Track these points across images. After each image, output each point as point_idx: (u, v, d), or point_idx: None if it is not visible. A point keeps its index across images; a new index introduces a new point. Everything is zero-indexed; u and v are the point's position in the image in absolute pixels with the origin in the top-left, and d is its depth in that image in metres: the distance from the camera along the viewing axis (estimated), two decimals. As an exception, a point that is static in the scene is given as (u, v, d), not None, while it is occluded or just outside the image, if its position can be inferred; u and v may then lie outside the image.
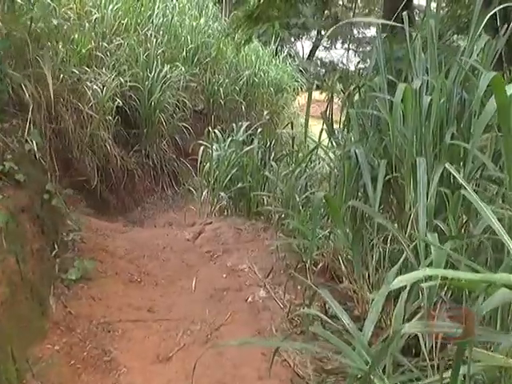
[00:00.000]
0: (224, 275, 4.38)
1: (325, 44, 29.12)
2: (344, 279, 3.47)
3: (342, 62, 27.71)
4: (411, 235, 2.70)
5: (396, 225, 3.10)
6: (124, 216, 7.92)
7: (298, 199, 4.75)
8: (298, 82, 15.50)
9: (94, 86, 7.33)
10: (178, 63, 10.10)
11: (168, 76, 9.40)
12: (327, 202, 2.93)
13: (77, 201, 6.76)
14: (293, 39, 25.54)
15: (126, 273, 4.38)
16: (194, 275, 4.46)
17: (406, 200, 2.85)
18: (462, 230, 2.75)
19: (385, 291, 2.10)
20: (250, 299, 3.84)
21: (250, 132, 6.67)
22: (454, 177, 2.79)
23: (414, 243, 2.48)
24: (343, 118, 4.10)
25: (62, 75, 6.90)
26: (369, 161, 3.28)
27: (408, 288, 2.21)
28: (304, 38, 27.68)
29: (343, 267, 3.49)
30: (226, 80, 11.92)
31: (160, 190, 9.40)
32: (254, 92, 12.99)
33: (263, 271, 4.31)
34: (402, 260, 2.46)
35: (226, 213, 6.35)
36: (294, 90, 15.28)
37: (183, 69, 10.16)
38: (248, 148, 6.16)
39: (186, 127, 9.91)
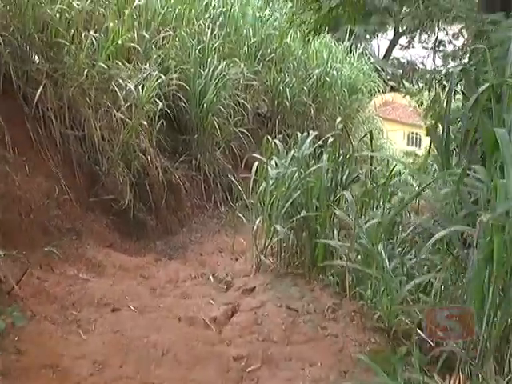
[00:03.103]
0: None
1: (402, 43, 27.33)
2: None
3: (421, 63, 25.75)
4: None
5: None
6: (165, 240, 6.55)
7: (385, 261, 3.09)
8: (374, 82, 13.91)
9: (129, 85, 6.02)
10: (236, 59, 8.73)
11: (224, 73, 8.05)
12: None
13: (100, 226, 5.48)
14: (368, 36, 23.78)
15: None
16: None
17: None
18: None
19: None
20: None
21: (318, 144, 5.17)
22: None
23: None
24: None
25: (87, 70, 5.64)
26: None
27: None
28: (380, 35, 25.89)
29: None
30: (294, 79, 10.46)
31: (212, 206, 8.03)
32: (325, 93, 11.47)
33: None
34: None
35: (282, 254, 4.82)
36: (370, 90, 13.70)
37: (243, 65, 8.80)
38: (315, 167, 4.67)
39: (244, 133, 8.53)
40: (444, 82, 5.40)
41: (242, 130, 8.49)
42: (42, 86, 5.14)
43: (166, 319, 3.69)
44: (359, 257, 3.87)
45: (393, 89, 23.17)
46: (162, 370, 3.03)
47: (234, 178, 7.76)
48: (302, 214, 4.59)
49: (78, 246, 4.78)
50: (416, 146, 34.92)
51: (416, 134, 35.16)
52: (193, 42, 7.95)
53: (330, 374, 2.94)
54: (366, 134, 5.26)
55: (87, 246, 4.89)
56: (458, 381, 2.31)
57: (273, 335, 3.46)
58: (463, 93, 3.26)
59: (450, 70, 4.45)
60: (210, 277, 4.98)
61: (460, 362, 2.29)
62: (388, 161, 7.04)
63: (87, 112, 5.70)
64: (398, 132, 29.15)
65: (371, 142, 4.99)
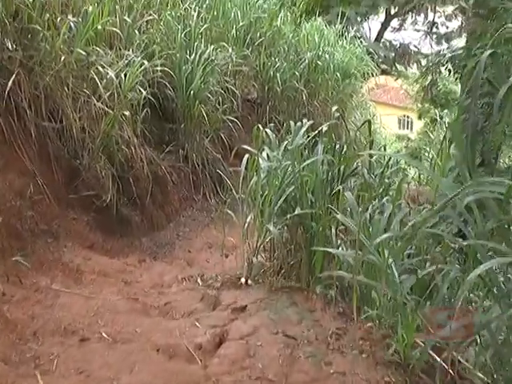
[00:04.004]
0: None
1: (394, 25, 26.94)
2: None
3: (415, 46, 25.47)
4: None
5: None
6: (150, 237, 6.18)
7: (396, 279, 2.63)
8: (367, 66, 13.54)
9: (110, 73, 5.64)
10: (224, 43, 8.35)
11: (212, 58, 7.68)
12: None
13: (80, 226, 5.12)
14: (359, 19, 23.27)
15: None
16: None
17: None
18: None
19: None
20: None
21: (313, 134, 4.79)
22: None
23: None
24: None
25: (65, 57, 5.27)
26: None
27: None
28: (371, 18, 25.42)
29: None
30: (284, 63, 10.05)
31: (201, 198, 7.66)
32: (318, 78, 11.08)
33: None
34: None
35: (275, 253, 4.43)
36: (363, 74, 13.34)
37: (231, 50, 8.42)
38: (309, 161, 4.30)
39: (234, 121, 8.16)
40: (449, 66, 5.08)
41: (231, 117, 8.11)
42: (14, 75, 4.77)
43: (142, 351, 3.15)
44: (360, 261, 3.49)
45: (384, 72, 22.84)
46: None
47: (224, 168, 7.42)
48: (296, 212, 4.23)
49: (54, 250, 4.41)
50: (407, 129, 34.81)
51: (407, 116, 35.03)
52: (178, 26, 7.59)
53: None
54: (364, 123, 4.88)
55: (64, 248, 4.51)
56: None
57: (268, 372, 2.91)
58: (488, 79, 2.90)
59: (459, 53, 4.07)
60: (198, 280, 4.61)
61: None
62: (384, 148, 6.69)
63: (65, 102, 5.33)
64: (390, 116, 28.83)
65: (370, 131, 4.64)
